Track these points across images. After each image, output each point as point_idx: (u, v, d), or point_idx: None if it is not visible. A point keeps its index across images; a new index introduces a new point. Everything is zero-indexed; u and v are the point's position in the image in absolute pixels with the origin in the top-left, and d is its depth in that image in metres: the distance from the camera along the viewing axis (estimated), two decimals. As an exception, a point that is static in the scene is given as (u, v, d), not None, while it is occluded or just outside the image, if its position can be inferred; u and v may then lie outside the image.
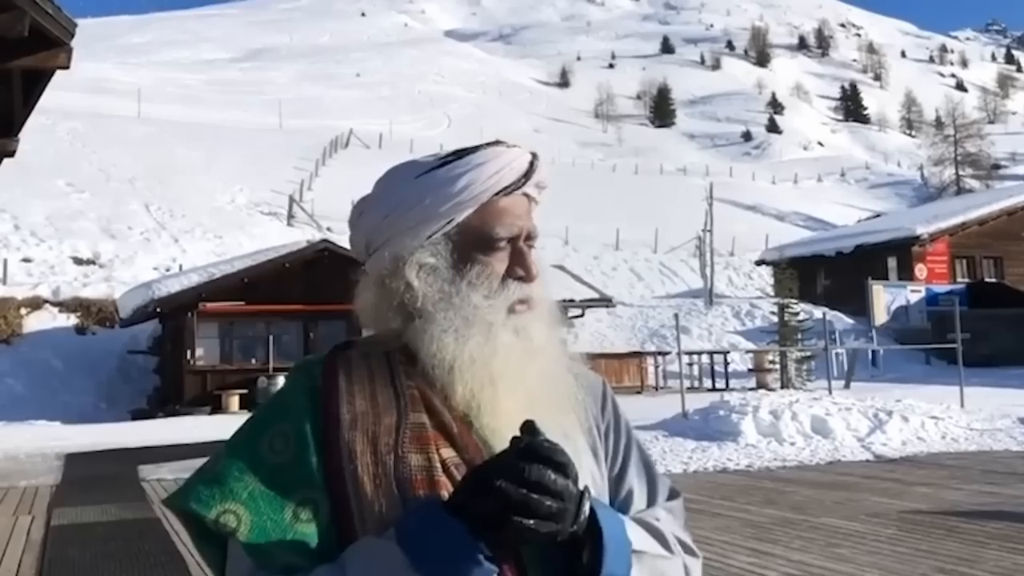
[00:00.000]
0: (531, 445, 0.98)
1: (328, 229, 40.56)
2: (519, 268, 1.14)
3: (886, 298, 31.23)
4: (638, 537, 1.10)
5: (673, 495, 1.26)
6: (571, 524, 0.99)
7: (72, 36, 7.28)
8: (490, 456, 1.05)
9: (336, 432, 1.09)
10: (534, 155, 1.20)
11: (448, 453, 1.09)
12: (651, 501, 1.23)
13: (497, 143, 1.21)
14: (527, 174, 1.17)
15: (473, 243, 1.14)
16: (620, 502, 1.21)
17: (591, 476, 1.16)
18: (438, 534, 0.97)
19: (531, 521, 0.95)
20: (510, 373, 1.11)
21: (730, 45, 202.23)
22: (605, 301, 28.53)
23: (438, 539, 0.96)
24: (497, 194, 1.15)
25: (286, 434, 1.10)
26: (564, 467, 0.98)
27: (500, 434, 1.08)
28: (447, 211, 1.14)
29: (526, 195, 1.19)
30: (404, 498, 1.05)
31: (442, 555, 0.96)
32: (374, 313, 1.18)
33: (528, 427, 1.00)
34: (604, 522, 1.03)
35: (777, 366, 25.15)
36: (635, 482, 1.23)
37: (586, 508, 1.01)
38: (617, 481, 1.22)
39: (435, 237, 1.14)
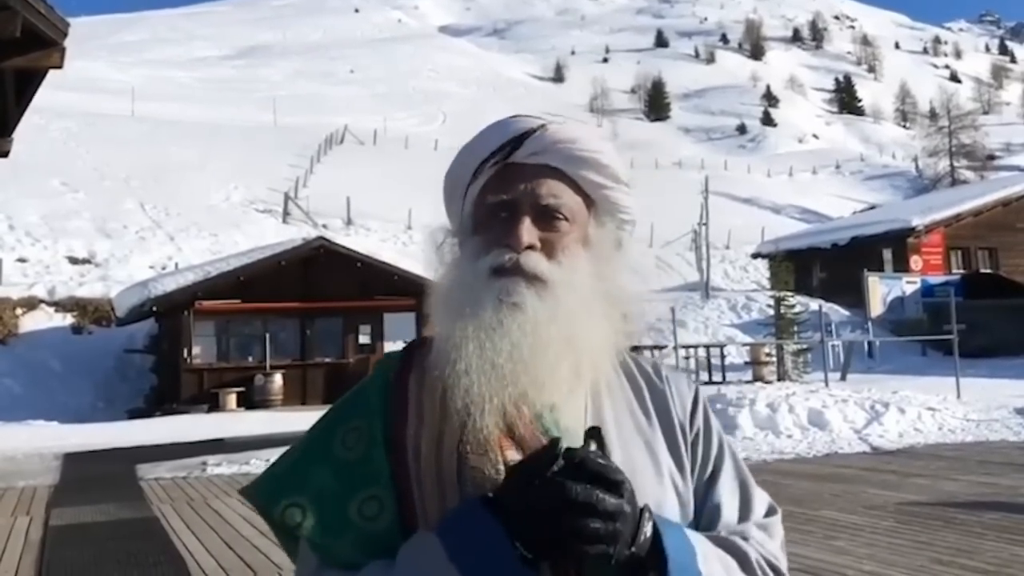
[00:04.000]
0: (582, 461, 0.94)
1: (324, 226, 40.53)
2: (505, 234, 1.09)
3: (882, 290, 31.19)
4: (710, 566, 1.03)
5: (771, 512, 1.19)
6: (627, 547, 0.95)
7: (65, 36, 7.25)
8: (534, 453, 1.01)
9: (404, 432, 1.09)
10: (540, 126, 1.15)
11: (513, 455, 1.06)
12: (743, 517, 1.17)
13: (516, 115, 1.19)
14: (515, 140, 1.13)
15: (480, 213, 1.14)
16: (707, 515, 1.15)
17: (672, 483, 1.13)
18: (476, 529, 0.95)
19: (581, 544, 0.92)
20: (483, 336, 1.05)
21: (724, 38, 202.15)
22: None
23: (475, 534, 0.95)
24: (494, 161, 1.13)
25: (359, 430, 1.11)
26: (618, 485, 0.94)
27: (476, 408, 1.04)
28: (460, 181, 1.17)
29: (555, 168, 1.14)
30: (466, 499, 1.03)
31: (478, 550, 0.94)
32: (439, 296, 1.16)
33: (592, 434, 0.97)
34: (670, 547, 0.98)
35: (774, 359, 25.14)
36: (725, 496, 1.17)
37: (647, 529, 0.97)
38: (706, 493, 1.17)
39: (464, 213, 1.17)
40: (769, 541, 1.14)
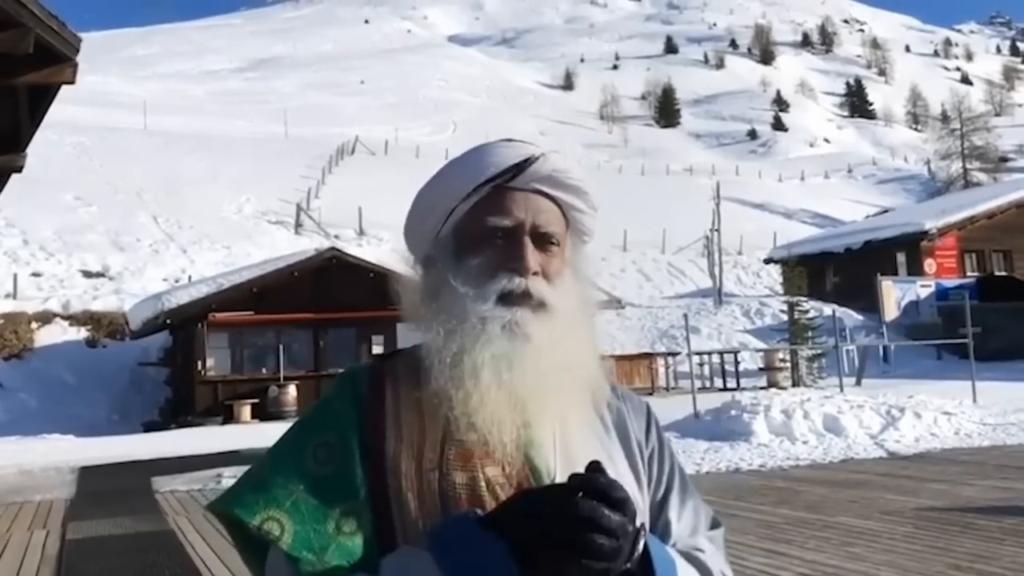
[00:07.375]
0: (588, 479, 0.95)
1: (336, 237, 40.61)
2: (510, 258, 1.11)
3: (896, 294, 31.12)
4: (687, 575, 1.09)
5: (715, 525, 1.24)
6: (624, 562, 0.96)
7: (77, 51, 7.30)
8: (536, 478, 1.07)
9: (381, 445, 1.09)
10: (541, 154, 1.16)
11: (493, 472, 1.08)
12: (694, 530, 1.22)
13: (508, 139, 1.20)
14: (519, 166, 1.14)
15: (472, 235, 1.14)
16: (661, 528, 1.19)
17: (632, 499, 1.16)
18: (473, 547, 0.94)
19: (583, 559, 0.93)
20: (502, 367, 1.07)
21: (734, 44, 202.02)
22: (614, 303, 28.50)
23: (472, 552, 0.94)
24: (492, 184, 1.13)
25: (330, 444, 1.10)
26: (622, 503, 0.95)
27: (495, 435, 1.06)
28: (444, 201, 1.16)
29: (544, 193, 1.16)
30: (447, 515, 1.03)
31: (474, 569, 0.93)
32: (411, 314, 1.17)
33: (593, 466, 0.98)
34: (657, 563, 1.01)
35: (788, 364, 25.08)
36: (675, 511, 1.21)
37: (640, 546, 0.98)
38: (659, 508, 1.21)
39: (442, 232, 1.16)
40: (717, 553, 1.19)
